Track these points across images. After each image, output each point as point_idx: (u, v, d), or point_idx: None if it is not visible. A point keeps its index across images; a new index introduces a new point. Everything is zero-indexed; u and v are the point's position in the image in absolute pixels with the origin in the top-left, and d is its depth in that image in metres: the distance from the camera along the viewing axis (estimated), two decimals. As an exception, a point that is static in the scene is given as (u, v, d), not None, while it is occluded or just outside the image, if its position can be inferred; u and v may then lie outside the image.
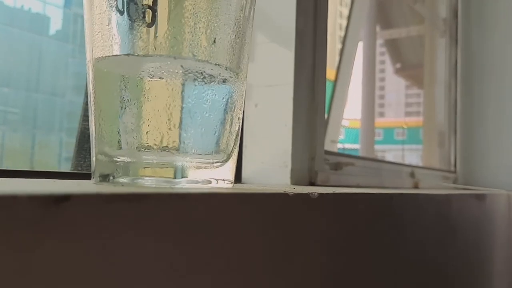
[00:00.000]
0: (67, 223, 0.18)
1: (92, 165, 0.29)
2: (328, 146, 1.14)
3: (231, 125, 0.30)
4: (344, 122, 1.57)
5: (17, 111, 0.65)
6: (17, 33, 0.64)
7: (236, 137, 0.31)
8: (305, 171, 0.68)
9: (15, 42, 0.63)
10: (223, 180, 0.30)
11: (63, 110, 0.72)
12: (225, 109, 0.29)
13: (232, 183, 0.31)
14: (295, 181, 0.65)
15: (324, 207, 0.35)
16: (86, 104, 0.66)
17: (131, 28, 0.27)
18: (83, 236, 0.19)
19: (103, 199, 0.20)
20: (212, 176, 0.30)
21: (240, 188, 0.30)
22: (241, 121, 0.31)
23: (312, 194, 0.33)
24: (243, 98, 0.31)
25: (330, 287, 0.36)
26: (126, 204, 0.20)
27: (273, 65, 0.66)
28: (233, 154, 0.31)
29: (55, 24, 0.70)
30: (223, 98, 0.29)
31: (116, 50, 0.27)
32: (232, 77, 0.29)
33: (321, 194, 0.34)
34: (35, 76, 0.67)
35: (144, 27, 0.27)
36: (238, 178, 0.68)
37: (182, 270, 0.23)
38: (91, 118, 0.28)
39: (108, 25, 0.27)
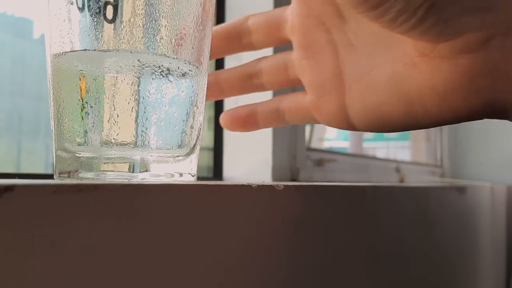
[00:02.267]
0: (12, 213, 0.19)
1: (53, 162, 0.29)
2: (315, 144, 1.14)
3: (193, 118, 0.31)
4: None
5: (2, 116, 0.65)
6: (1, 38, 0.64)
7: (199, 131, 0.31)
8: (286, 168, 0.69)
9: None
10: (187, 173, 0.31)
11: (49, 115, 0.71)
12: (185, 103, 0.30)
13: (195, 176, 0.31)
14: (276, 179, 0.66)
15: (291, 199, 0.35)
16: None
17: (90, 23, 0.27)
18: (30, 226, 0.19)
19: (51, 189, 0.20)
20: (174, 170, 0.30)
21: (202, 181, 0.30)
22: (203, 114, 0.32)
23: (277, 186, 0.33)
24: (205, 91, 0.32)
25: (297, 282, 0.36)
26: (75, 194, 0.21)
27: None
28: (196, 148, 0.31)
29: (40, 28, 0.70)
30: (183, 92, 0.29)
31: (74, 46, 0.27)
32: (192, 71, 0.30)
33: (287, 186, 0.34)
34: (19, 81, 0.67)
35: (103, 22, 0.27)
36: (219, 177, 0.68)
37: (136, 260, 0.24)
38: (51, 115, 0.29)
39: (65, 21, 0.27)
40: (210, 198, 0.28)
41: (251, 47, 0.34)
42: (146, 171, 0.28)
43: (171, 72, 0.28)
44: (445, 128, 1.27)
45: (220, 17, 0.70)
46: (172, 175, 0.30)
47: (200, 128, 0.32)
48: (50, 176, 0.49)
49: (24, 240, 0.19)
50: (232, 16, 0.70)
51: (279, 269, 0.34)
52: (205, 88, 0.32)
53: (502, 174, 1.16)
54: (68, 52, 0.28)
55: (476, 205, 0.84)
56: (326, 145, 1.27)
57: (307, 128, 0.91)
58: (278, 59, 0.34)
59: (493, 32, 0.24)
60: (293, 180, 0.69)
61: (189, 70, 0.29)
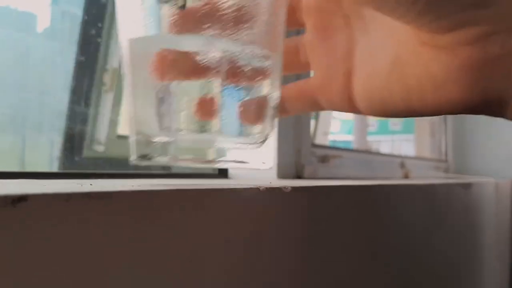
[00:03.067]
0: (26, 222, 0.19)
1: (131, 146, 0.29)
2: (320, 139, 1.14)
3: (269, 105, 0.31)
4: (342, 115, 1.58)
5: (6, 111, 0.65)
6: (4, 33, 0.64)
7: (273, 117, 0.31)
8: (291, 165, 0.68)
9: (3, 41, 0.63)
10: (259, 161, 0.30)
11: (54, 110, 0.72)
12: (261, 90, 0.30)
13: (267, 163, 0.31)
14: (281, 175, 0.66)
15: (298, 201, 0.35)
16: (71, 102, 0.66)
17: (164, 8, 0.27)
18: (43, 234, 0.19)
19: (63, 198, 0.20)
20: (247, 157, 0.30)
21: (210, 184, 0.30)
22: (278, 100, 0.31)
23: (285, 188, 0.33)
24: (281, 77, 0.31)
25: (306, 281, 0.36)
26: (87, 201, 0.21)
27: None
28: (270, 135, 0.31)
29: (43, 22, 0.70)
30: (259, 78, 0.29)
31: (150, 31, 0.27)
32: (267, 56, 0.29)
33: (294, 188, 0.34)
34: (24, 76, 0.67)
35: (177, 8, 0.27)
36: (224, 174, 0.68)
37: (149, 265, 0.24)
38: (128, 100, 0.29)
39: (142, 5, 0.27)
40: (219, 201, 0.28)
41: None
42: (222, 157, 0.28)
43: (247, 57, 0.28)
44: (450, 122, 1.27)
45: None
46: (245, 162, 0.30)
47: (275, 115, 0.31)
48: (59, 175, 0.49)
49: (38, 248, 0.19)
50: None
51: (288, 269, 0.34)
52: (281, 74, 0.31)
53: (507, 169, 1.16)
54: (144, 36, 0.27)
55: (481, 200, 0.84)
56: (330, 138, 1.27)
57: (312, 124, 0.90)
58: (289, 43, 0.34)
59: (494, 28, 0.24)
60: (298, 176, 0.69)
61: (264, 56, 0.29)
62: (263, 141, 0.30)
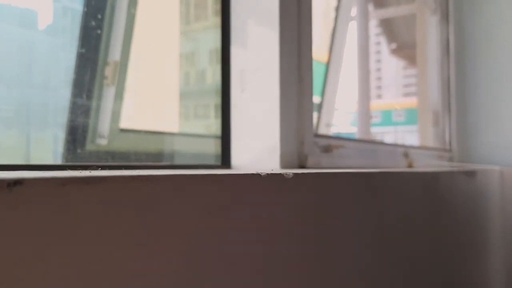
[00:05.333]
0: (22, 206, 0.19)
1: None
2: (323, 130, 1.14)
3: None
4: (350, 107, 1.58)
5: (9, 108, 0.65)
6: (7, 29, 0.64)
7: None
8: (294, 155, 0.68)
9: (5, 38, 0.63)
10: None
11: (57, 106, 0.72)
12: None
13: None
14: (284, 165, 0.65)
15: (300, 187, 0.35)
16: (73, 96, 0.66)
17: None
18: (40, 218, 0.19)
19: (59, 182, 0.20)
20: None
21: (212, 171, 0.30)
22: None
23: (286, 174, 0.33)
24: None
25: (305, 267, 0.36)
26: (83, 186, 0.21)
27: (259, 48, 0.65)
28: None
29: (46, 19, 0.69)
30: None
31: None
32: None
33: (296, 174, 0.34)
34: (27, 72, 0.67)
35: None
36: (227, 164, 0.68)
37: (145, 250, 0.24)
38: None
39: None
40: (219, 187, 0.28)
41: None
42: None
43: None
44: (454, 111, 1.26)
45: (225, 6, 0.69)
46: None
47: None
48: (61, 168, 0.49)
49: (34, 232, 0.19)
50: (238, 3, 0.69)
51: (287, 253, 0.34)
52: None
53: (511, 157, 1.15)
54: None
55: (486, 188, 0.83)
56: (333, 131, 1.26)
57: (315, 115, 0.90)
58: None
59: None
60: (301, 166, 0.69)
61: None
62: None
